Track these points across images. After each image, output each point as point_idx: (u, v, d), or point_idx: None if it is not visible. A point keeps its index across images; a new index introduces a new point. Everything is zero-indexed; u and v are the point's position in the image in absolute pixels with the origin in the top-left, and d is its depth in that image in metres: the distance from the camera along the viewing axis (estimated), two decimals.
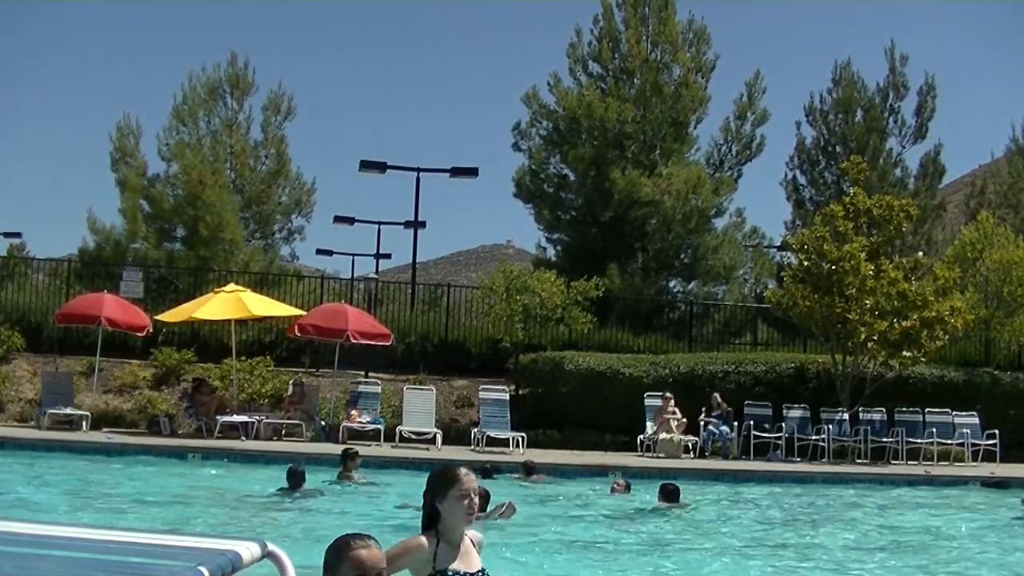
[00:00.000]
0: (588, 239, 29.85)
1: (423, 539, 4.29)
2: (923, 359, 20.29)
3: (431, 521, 4.35)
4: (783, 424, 19.75)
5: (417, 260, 31.02)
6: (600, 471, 16.00)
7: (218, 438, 17.66)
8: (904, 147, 32.90)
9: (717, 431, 19.27)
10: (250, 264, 28.54)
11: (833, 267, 20.05)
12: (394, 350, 21.25)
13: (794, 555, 10.04)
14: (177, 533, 2.13)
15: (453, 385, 22.05)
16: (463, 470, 4.38)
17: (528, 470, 15.12)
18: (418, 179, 29.11)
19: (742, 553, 9.98)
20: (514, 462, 16.05)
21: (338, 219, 37.94)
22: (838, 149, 32.47)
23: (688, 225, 29.69)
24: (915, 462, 19.43)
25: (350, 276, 36.26)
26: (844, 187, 27.65)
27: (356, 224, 38.87)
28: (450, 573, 4.26)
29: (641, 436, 19.09)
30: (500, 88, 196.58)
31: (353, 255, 44.43)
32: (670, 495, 12.43)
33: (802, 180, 33.54)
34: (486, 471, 14.92)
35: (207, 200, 28.04)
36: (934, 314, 19.87)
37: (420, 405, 19.00)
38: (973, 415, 20.26)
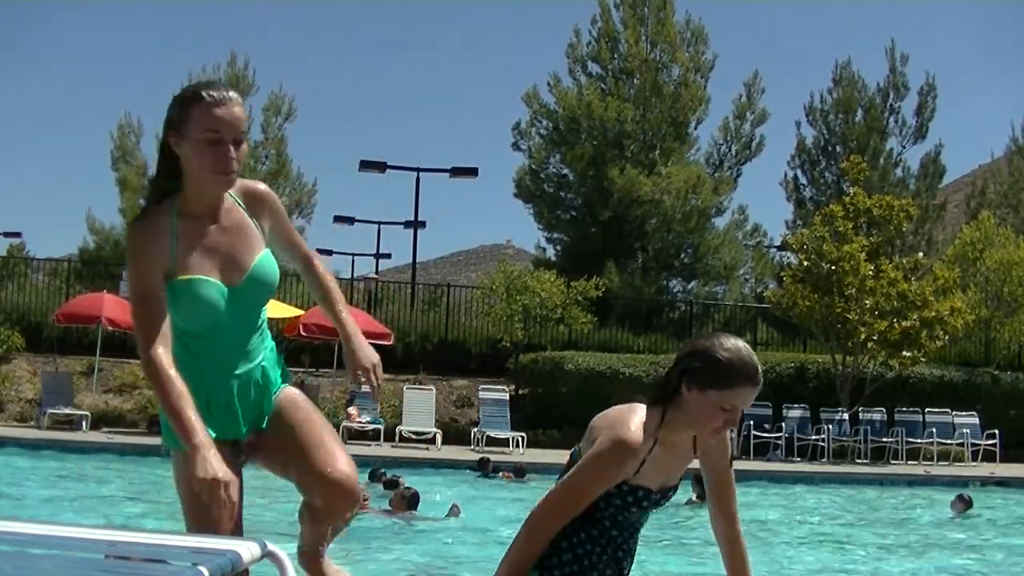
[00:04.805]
0: (588, 239, 29.87)
1: (635, 438, 2.80)
2: (923, 359, 20.28)
3: (661, 401, 2.87)
4: (783, 424, 19.75)
5: (417, 260, 31.10)
6: None
7: None
8: (904, 147, 32.99)
9: None
10: None
11: (833, 267, 20.04)
12: (394, 350, 21.24)
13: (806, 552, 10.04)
14: (177, 533, 2.13)
15: (453, 385, 22.06)
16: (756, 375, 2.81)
17: (519, 472, 15.09)
18: (418, 179, 29.16)
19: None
20: (514, 462, 16.04)
21: (338, 219, 37.98)
22: (838, 149, 32.49)
23: (688, 224, 29.73)
24: (915, 462, 19.42)
25: (350, 276, 36.28)
26: (844, 187, 27.66)
27: (356, 224, 38.95)
28: (640, 493, 2.82)
29: None
30: (500, 88, 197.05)
31: (353, 255, 44.47)
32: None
33: (802, 180, 33.59)
34: (484, 464, 14.95)
35: None
36: (934, 314, 19.87)
37: (420, 405, 19.00)
38: (973, 415, 20.26)
